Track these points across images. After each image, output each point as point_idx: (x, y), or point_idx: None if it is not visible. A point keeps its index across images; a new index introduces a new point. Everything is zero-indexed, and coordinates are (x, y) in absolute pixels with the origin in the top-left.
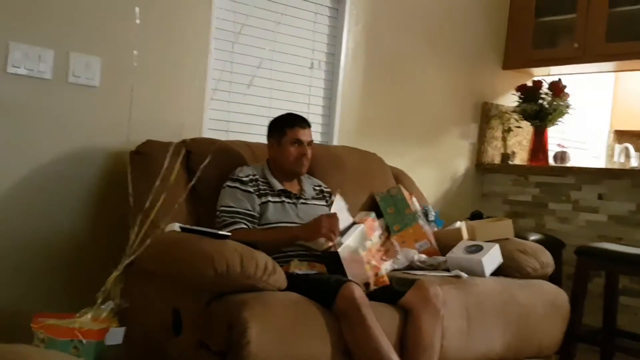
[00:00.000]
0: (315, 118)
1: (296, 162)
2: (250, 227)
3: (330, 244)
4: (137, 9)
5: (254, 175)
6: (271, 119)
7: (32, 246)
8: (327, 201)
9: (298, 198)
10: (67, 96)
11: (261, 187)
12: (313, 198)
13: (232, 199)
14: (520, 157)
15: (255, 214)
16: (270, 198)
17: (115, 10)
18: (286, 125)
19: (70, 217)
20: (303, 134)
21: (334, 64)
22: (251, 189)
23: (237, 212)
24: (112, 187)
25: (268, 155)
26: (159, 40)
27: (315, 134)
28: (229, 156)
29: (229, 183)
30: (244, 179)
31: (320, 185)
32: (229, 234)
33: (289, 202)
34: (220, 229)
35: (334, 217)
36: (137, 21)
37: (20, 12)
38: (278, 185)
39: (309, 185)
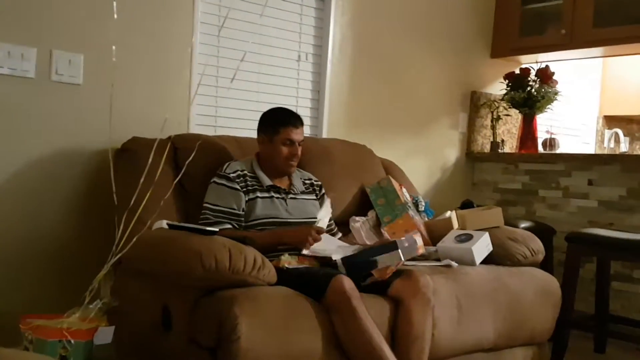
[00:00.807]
0: (303, 111)
1: (286, 161)
2: (235, 226)
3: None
4: (114, 3)
5: (242, 170)
6: (260, 112)
7: (18, 247)
8: (317, 195)
9: (287, 193)
10: (51, 94)
11: (249, 182)
12: (302, 192)
13: (218, 196)
14: (510, 145)
15: (241, 212)
16: (258, 194)
17: (97, 5)
18: (280, 124)
19: (57, 217)
20: (296, 134)
21: (322, 56)
22: (238, 186)
23: (222, 212)
24: (99, 185)
25: (258, 149)
26: (141, 35)
27: (304, 127)
28: (215, 151)
29: (216, 179)
30: (232, 175)
31: (310, 179)
32: (217, 230)
33: (278, 197)
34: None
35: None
36: (115, 16)
37: (1, 11)
38: (267, 181)
39: (299, 179)
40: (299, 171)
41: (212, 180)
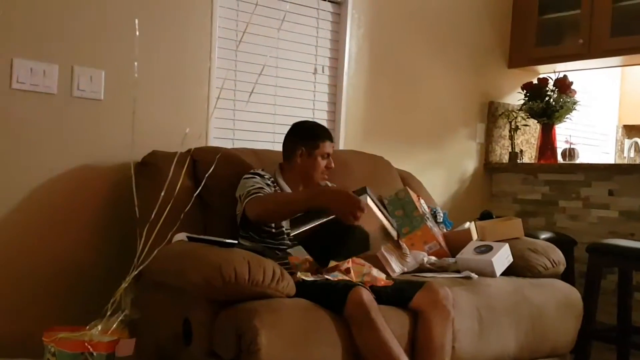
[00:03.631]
0: (320, 123)
1: (323, 174)
2: None
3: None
4: (136, 21)
5: (269, 178)
6: (277, 125)
7: (41, 260)
8: None
9: None
10: (73, 110)
11: (277, 190)
12: None
13: (253, 184)
14: (529, 156)
15: None
16: None
17: (117, 22)
18: (319, 138)
19: (79, 230)
20: (331, 148)
21: (338, 68)
22: (271, 184)
23: (261, 188)
24: (120, 198)
25: (276, 161)
26: (161, 51)
27: None
28: (234, 164)
29: (247, 175)
30: (265, 176)
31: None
32: (236, 242)
33: None
34: (243, 203)
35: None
36: (137, 33)
37: (23, 28)
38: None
39: None
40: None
41: (244, 177)
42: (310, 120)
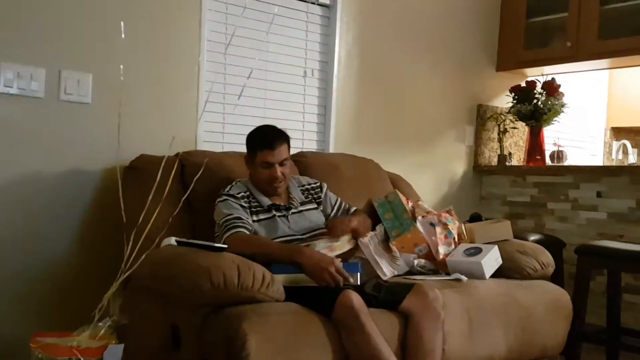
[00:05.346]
0: (310, 126)
1: (268, 184)
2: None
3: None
4: (122, 24)
5: (245, 192)
6: None
7: (28, 266)
8: (316, 200)
9: (288, 209)
10: (60, 114)
11: (252, 204)
12: (302, 204)
13: (229, 208)
14: (517, 158)
15: (251, 224)
16: (261, 216)
17: (104, 25)
18: (256, 147)
19: (66, 235)
20: (272, 156)
21: (327, 72)
22: (245, 205)
23: (237, 218)
24: (108, 202)
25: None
26: (149, 54)
27: (311, 142)
28: (222, 168)
29: (220, 199)
30: (237, 195)
31: (305, 184)
32: (226, 246)
33: (279, 216)
34: (222, 237)
35: (340, 271)
36: (123, 36)
37: (10, 32)
38: (266, 201)
39: (296, 189)
40: (293, 178)
41: (217, 202)
42: (265, 125)
